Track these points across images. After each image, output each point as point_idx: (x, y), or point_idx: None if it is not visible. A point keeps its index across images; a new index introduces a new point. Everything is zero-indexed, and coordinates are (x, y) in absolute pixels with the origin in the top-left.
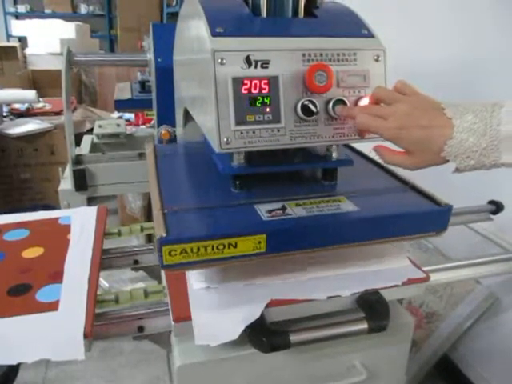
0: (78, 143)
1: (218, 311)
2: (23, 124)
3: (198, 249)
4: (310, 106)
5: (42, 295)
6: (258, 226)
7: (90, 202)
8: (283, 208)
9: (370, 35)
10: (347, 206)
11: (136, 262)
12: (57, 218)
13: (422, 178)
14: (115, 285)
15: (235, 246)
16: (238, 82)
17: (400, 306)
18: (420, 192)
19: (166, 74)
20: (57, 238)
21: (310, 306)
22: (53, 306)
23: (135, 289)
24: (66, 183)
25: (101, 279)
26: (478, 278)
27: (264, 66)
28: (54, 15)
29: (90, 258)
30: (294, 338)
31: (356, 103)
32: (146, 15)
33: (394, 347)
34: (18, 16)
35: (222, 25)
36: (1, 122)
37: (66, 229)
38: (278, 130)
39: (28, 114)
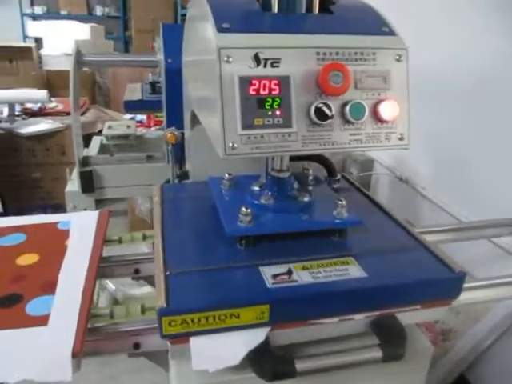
0: (87, 144)
1: (217, 333)
2: (35, 124)
3: (199, 319)
4: (325, 109)
5: (32, 308)
6: (261, 295)
7: (98, 203)
8: (289, 272)
9: (391, 33)
10: (355, 272)
11: (137, 270)
12: (56, 223)
13: (448, 187)
14: (121, 288)
15: (237, 317)
16: (245, 81)
17: (417, 329)
18: (432, 252)
19: (175, 76)
20: (54, 244)
21: (320, 328)
22: (42, 321)
23: (132, 303)
24: (73, 185)
25: (107, 281)
26: (502, 299)
27: (274, 64)
28: (69, 17)
29: (87, 267)
30: (300, 365)
31: (375, 107)
32: (160, 17)
33: (410, 376)
34: (34, 17)
35: (228, 20)
36: (13, 122)
37: (65, 234)
38: (289, 135)
39: (41, 113)
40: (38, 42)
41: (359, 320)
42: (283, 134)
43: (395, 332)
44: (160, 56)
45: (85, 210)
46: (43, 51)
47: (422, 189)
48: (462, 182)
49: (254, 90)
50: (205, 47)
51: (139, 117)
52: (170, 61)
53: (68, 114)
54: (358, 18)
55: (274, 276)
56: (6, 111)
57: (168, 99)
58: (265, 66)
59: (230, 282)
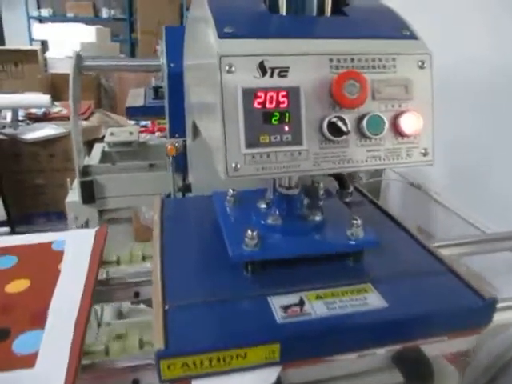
0: (91, 150)
1: (222, 375)
2: (39, 129)
3: (202, 362)
4: (339, 123)
5: (20, 345)
6: (271, 333)
7: (101, 212)
8: (301, 303)
9: (413, 37)
10: (374, 301)
11: (137, 294)
12: (50, 243)
13: (465, 192)
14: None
15: (244, 357)
16: (249, 94)
17: (441, 357)
18: (459, 276)
19: (178, 80)
20: (47, 268)
21: (336, 365)
22: (29, 361)
23: (129, 337)
24: (74, 194)
25: None
26: None
27: (282, 74)
28: (75, 19)
29: (81, 294)
30: None
31: (395, 120)
32: (166, 18)
33: None
34: (41, 20)
35: (231, 24)
36: (16, 127)
37: (59, 256)
38: (299, 154)
39: (45, 118)
40: (44, 44)
41: (380, 354)
42: (292, 153)
43: (421, 367)
44: (163, 60)
45: (86, 220)
46: (48, 54)
47: (435, 194)
48: (480, 187)
49: (259, 103)
50: (204, 54)
51: (144, 121)
52: (172, 65)
53: None
54: (376, 21)
55: (285, 308)
56: (9, 116)
57: (170, 105)
58: (271, 75)
59: (236, 318)
